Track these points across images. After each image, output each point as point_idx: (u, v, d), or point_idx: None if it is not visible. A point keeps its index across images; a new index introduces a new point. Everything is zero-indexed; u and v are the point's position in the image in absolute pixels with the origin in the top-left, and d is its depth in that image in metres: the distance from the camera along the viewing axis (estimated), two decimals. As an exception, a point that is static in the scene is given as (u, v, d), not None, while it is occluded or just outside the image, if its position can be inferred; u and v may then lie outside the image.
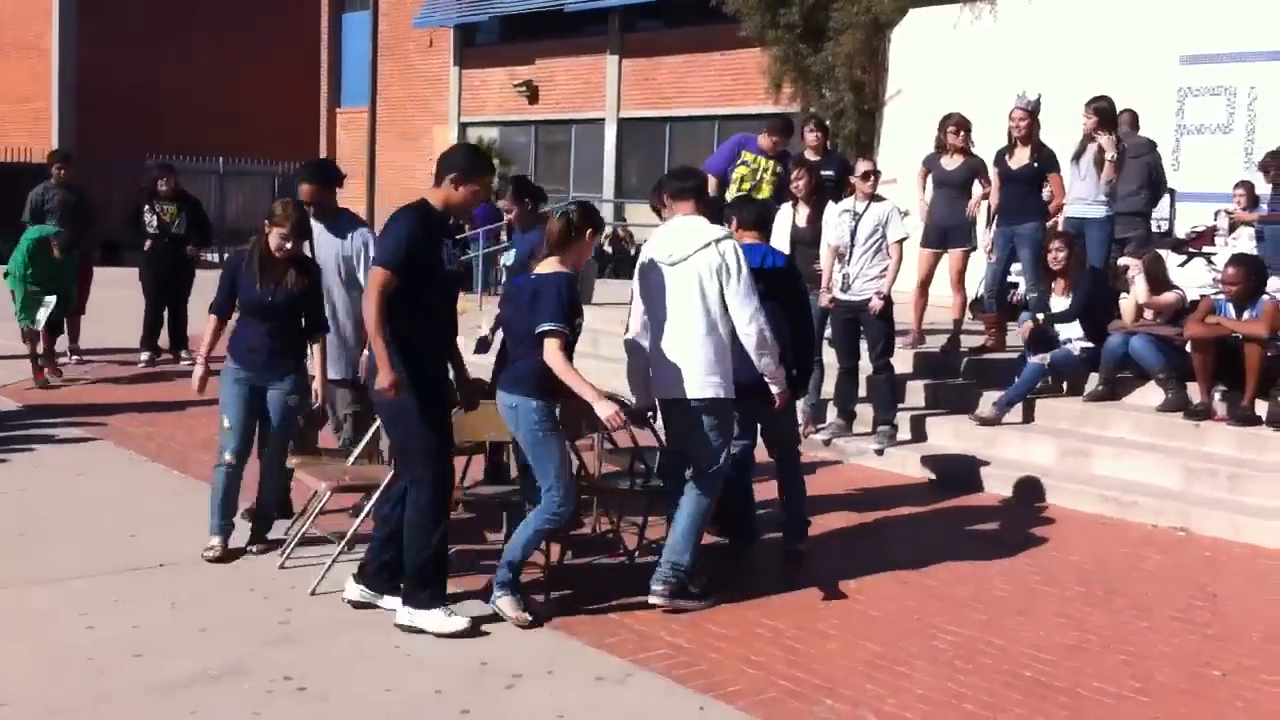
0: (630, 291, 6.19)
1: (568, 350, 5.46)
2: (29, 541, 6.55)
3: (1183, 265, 11.05)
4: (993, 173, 9.91)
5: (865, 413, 9.18)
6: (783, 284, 6.31)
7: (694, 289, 5.73)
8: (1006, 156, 9.83)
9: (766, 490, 6.96)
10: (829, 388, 9.22)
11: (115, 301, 13.52)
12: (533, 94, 27.76)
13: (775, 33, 17.20)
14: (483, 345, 7.75)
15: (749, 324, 5.74)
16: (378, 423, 6.23)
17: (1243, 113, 12.75)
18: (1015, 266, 10.20)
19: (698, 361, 5.70)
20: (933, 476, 8.68)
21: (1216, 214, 11.83)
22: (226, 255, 7.06)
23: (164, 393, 11.08)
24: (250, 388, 6.28)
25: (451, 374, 5.67)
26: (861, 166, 8.86)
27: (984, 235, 10.34)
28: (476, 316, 12.61)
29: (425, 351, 5.41)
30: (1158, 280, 9.15)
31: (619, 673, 5.03)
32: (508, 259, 7.20)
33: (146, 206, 12.59)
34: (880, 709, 4.72)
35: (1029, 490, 8.22)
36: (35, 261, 11.11)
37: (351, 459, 6.51)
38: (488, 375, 6.76)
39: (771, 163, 9.83)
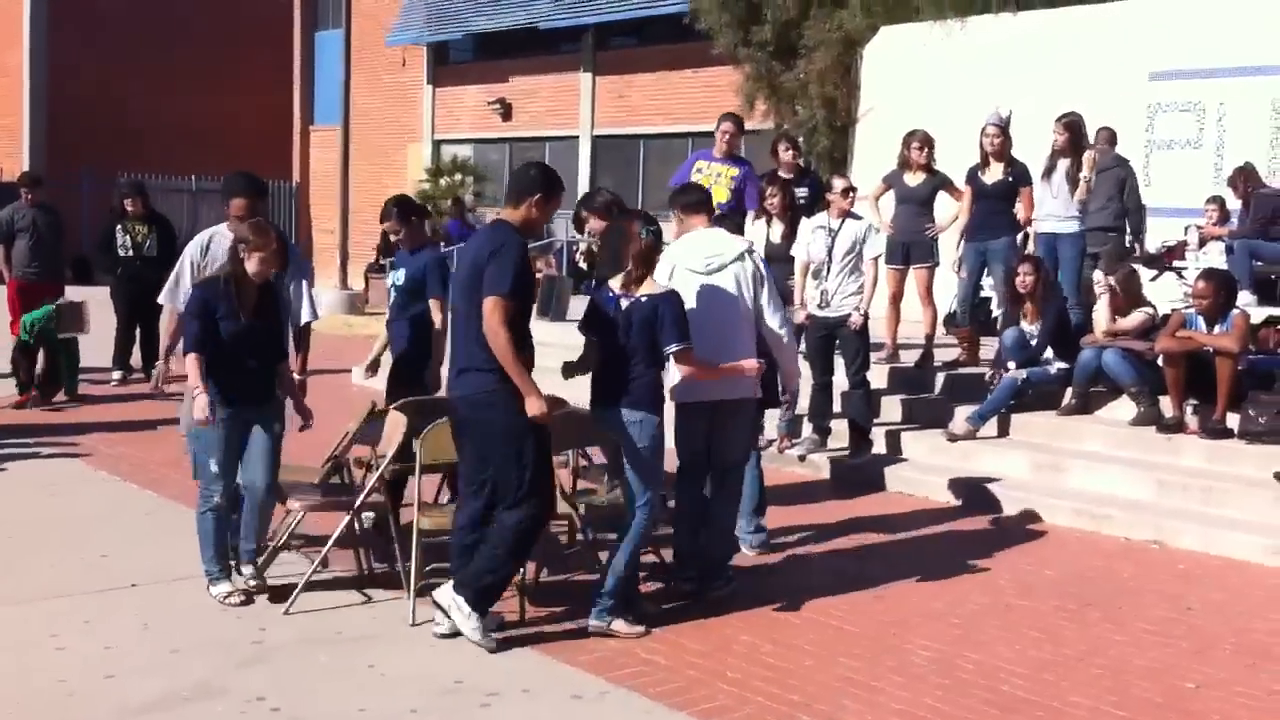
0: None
1: None
2: (-1, 562, 6.49)
3: (1153, 280, 11.12)
4: (965, 189, 9.96)
5: (840, 428, 9.20)
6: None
7: (735, 294, 6.11)
8: (980, 172, 9.88)
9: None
10: (804, 403, 9.22)
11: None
12: (506, 111, 27.76)
13: (748, 50, 17.27)
14: (374, 368, 7.70)
15: (781, 326, 6.28)
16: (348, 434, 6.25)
17: (1212, 128, 12.84)
18: (987, 281, 10.25)
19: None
20: (907, 491, 8.69)
21: (1187, 229, 11.91)
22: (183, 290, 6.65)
23: (136, 412, 11.02)
24: (238, 426, 5.96)
25: None
26: (839, 184, 8.89)
27: (954, 251, 10.38)
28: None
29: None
30: (1133, 296, 9.19)
31: (595, 691, 5.01)
32: (397, 278, 7.10)
33: (119, 227, 12.54)
34: (857, 725, 4.72)
35: (1004, 504, 8.24)
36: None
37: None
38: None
39: (725, 167, 9.96)
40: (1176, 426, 8.52)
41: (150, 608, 5.83)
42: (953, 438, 9.02)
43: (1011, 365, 9.07)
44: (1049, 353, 9.19)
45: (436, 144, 29.02)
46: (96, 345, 12.39)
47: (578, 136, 26.56)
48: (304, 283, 6.84)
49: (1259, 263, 10.86)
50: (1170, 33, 13.02)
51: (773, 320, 6.22)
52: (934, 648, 5.60)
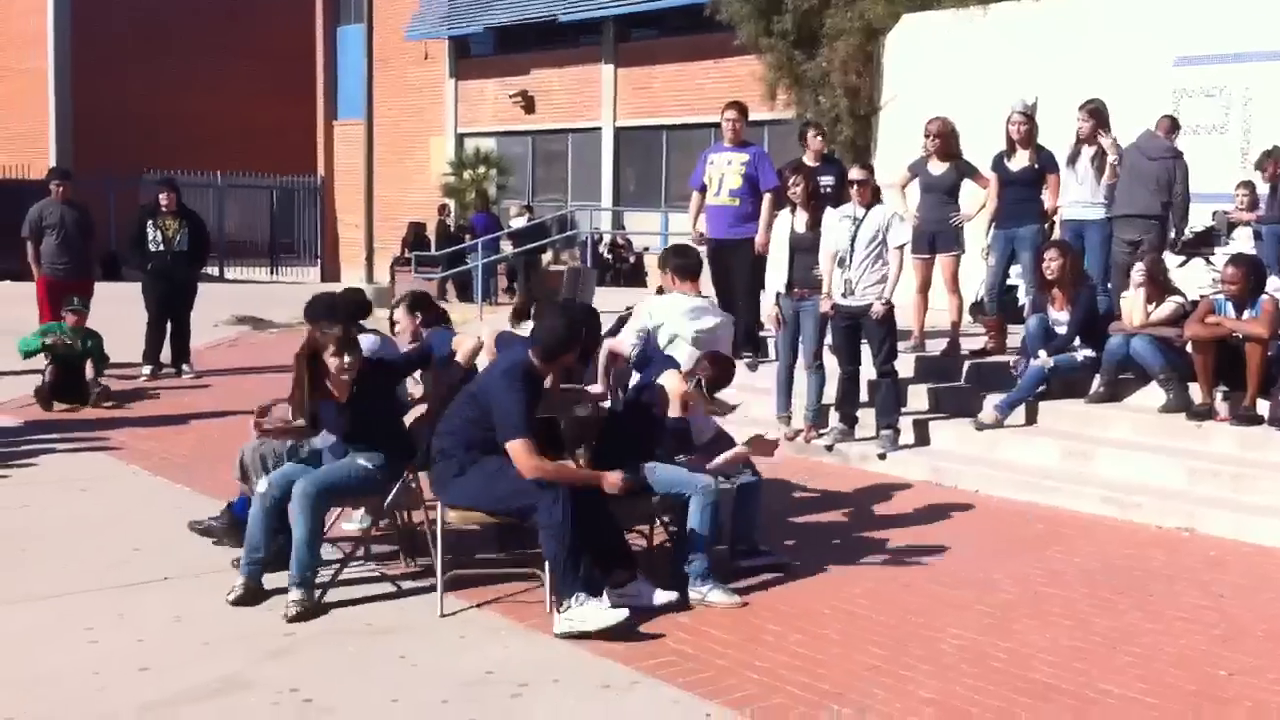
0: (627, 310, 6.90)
1: None
2: (32, 557, 6.55)
3: (1182, 266, 11.06)
4: (992, 176, 9.92)
5: (867, 417, 9.18)
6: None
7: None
8: (1006, 159, 9.85)
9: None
10: (831, 393, 9.21)
11: (116, 317, 13.48)
12: (529, 104, 27.79)
13: (769, 40, 17.25)
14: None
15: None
16: None
17: (1238, 113, 12.76)
18: (1015, 269, 10.21)
19: None
20: (935, 480, 8.67)
21: (1214, 214, 11.84)
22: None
23: (166, 407, 11.10)
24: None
25: None
26: (853, 174, 8.88)
27: (983, 239, 10.35)
28: (478, 326, 12.59)
29: None
30: (1159, 283, 9.13)
31: (625, 680, 5.02)
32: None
33: (150, 223, 12.61)
34: (887, 713, 4.71)
35: (1032, 493, 8.21)
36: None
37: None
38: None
39: (736, 154, 10.27)
40: (1206, 413, 8.46)
41: (182, 601, 5.87)
42: (980, 426, 8.99)
43: (1042, 353, 9.02)
44: (1077, 339, 9.13)
45: (460, 137, 29.07)
46: (126, 340, 12.48)
47: (600, 128, 26.57)
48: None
49: (1288, 247, 10.78)
50: (1195, 18, 12.94)
51: None
52: (964, 636, 5.59)
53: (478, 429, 5.73)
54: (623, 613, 5.42)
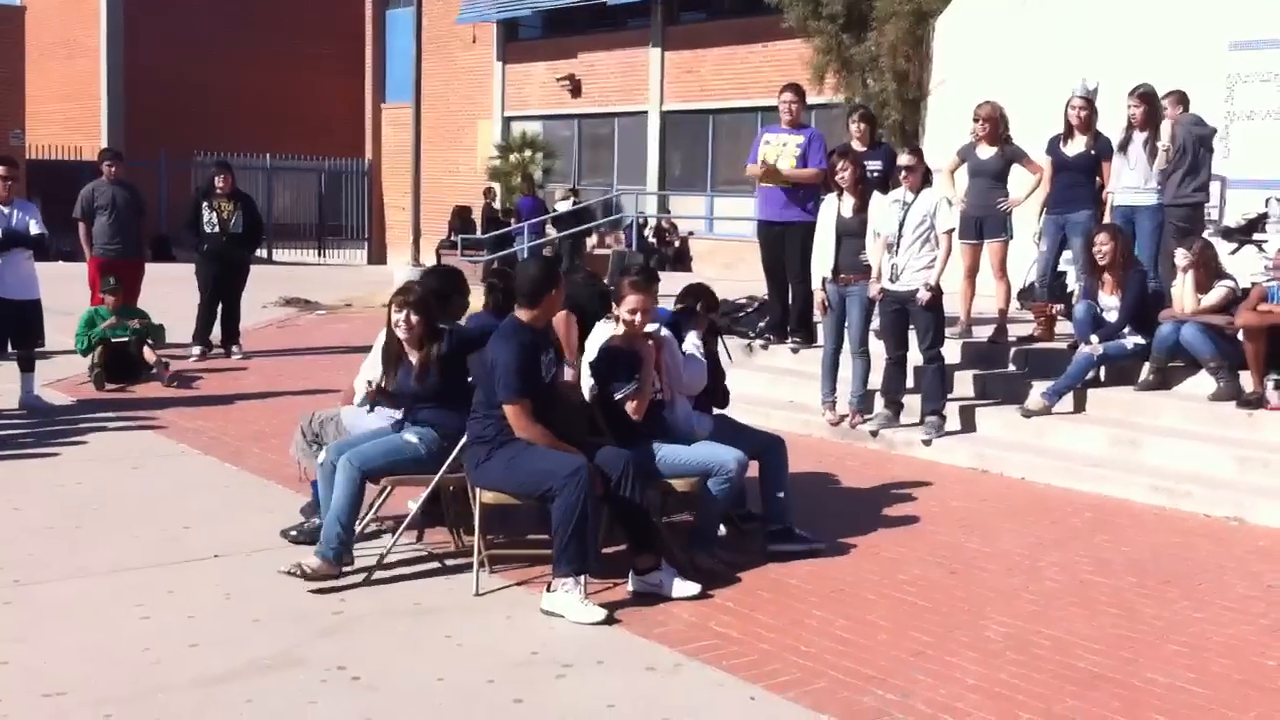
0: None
1: None
2: (84, 534, 6.64)
3: (1233, 253, 10.93)
4: (1045, 160, 9.84)
5: (913, 403, 9.15)
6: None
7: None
8: (1062, 144, 9.76)
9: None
10: (876, 378, 9.19)
11: (167, 297, 13.66)
12: (575, 88, 27.81)
13: (817, 23, 17.19)
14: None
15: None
16: None
17: (1295, 98, 12.57)
18: (1066, 254, 10.13)
19: None
20: (981, 467, 8.63)
21: (1268, 201, 11.69)
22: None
23: (215, 386, 11.22)
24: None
25: None
26: (902, 160, 8.85)
27: (1035, 223, 10.26)
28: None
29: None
30: (1210, 269, 9.02)
31: (669, 663, 5.04)
32: None
33: (205, 204, 12.73)
34: (931, 699, 4.70)
35: (1080, 480, 8.16)
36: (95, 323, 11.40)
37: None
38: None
39: (791, 136, 10.28)
40: (1257, 402, 8.37)
41: (232, 579, 5.94)
42: (1028, 413, 8.93)
43: (1094, 339, 8.95)
44: (1126, 327, 9.05)
45: (506, 120, 29.14)
46: (177, 321, 12.62)
47: (646, 112, 26.54)
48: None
49: (1343, 234, 10.63)
50: (1250, 1, 12.75)
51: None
52: (1009, 623, 5.57)
53: (494, 410, 5.76)
54: (600, 613, 5.46)
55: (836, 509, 7.48)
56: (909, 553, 6.64)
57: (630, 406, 6.16)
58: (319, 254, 32.40)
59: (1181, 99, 10.20)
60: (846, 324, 9.09)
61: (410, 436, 6.06)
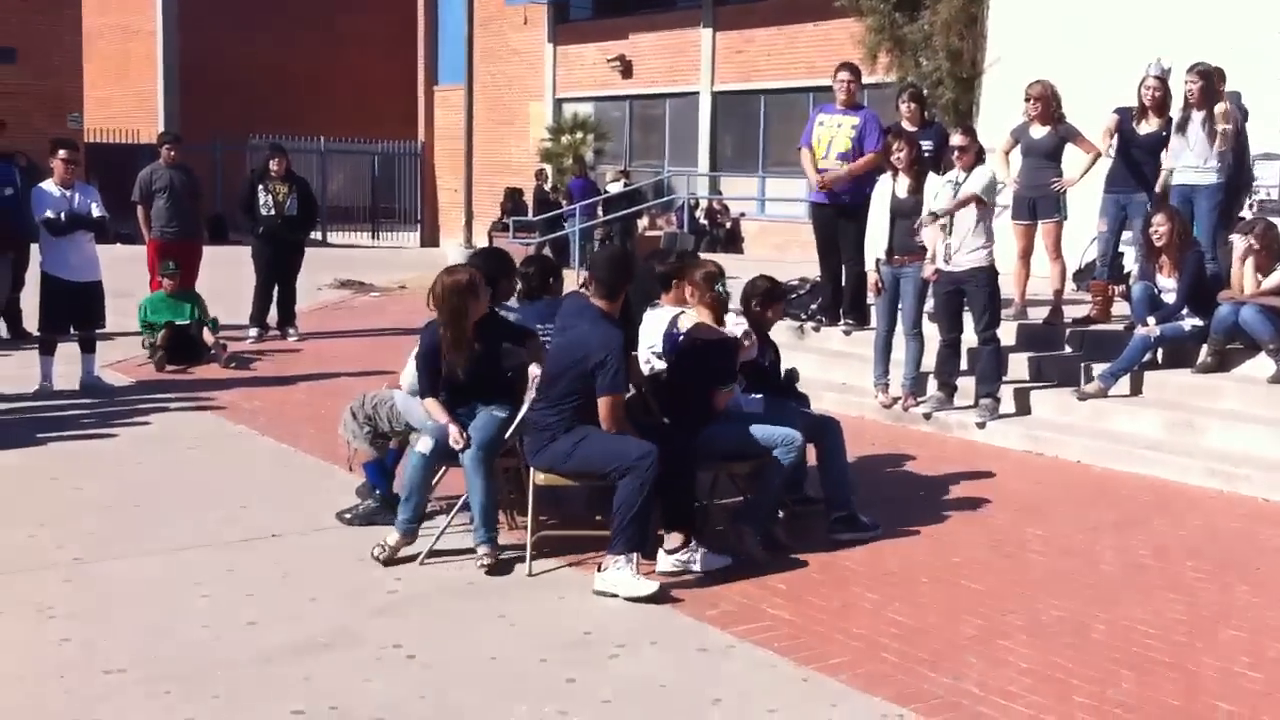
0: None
1: None
2: (144, 513, 6.74)
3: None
4: (1105, 129, 9.68)
5: (966, 385, 9.10)
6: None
7: None
8: (1134, 122, 9.64)
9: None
10: (930, 360, 9.14)
11: (223, 279, 13.81)
12: (626, 69, 27.76)
13: (870, 2, 17.02)
14: None
15: None
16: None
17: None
18: (1125, 235, 10.01)
19: None
20: (1035, 450, 8.57)
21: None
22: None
23: (272, 368, 11.34)
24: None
25: None
26: (954, 140, 8.78)
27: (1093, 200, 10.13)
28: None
29: None
30: (1272, 251, 8.88)
31: (721, 644, 5.06)
32: None
33: (260, 187, 12.84)
34: (984, 683, 4.69)
35: (1136, 464, 8.08)
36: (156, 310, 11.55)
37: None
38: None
39: (847, 117, 10.21)
40: (1318, 385, 8.26)
41: (289, 558, 6.02)
42: (1083, 396, 8.85)
43: (1151, 321, 8.85)
44: (1184, 308, 8.94)
45: (558, 102, 29.13)
46: (233, 303, 12.75)
47: (698, 93, 26.45)
48: None
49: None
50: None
51: None
52: (1063, 607, 5.54)
53: (568, 401, 5.79)
54: (653, 585, 5.51)
55: (889, 492, 7.46)
56: (962, 536, 6.62)
57: (719, 397, 6.22)
58: (373, 236, 32.56)
59: (1222, 77, 10.08)
60: (900, 305, 9.04)
61: (496, 411, 6.08)
